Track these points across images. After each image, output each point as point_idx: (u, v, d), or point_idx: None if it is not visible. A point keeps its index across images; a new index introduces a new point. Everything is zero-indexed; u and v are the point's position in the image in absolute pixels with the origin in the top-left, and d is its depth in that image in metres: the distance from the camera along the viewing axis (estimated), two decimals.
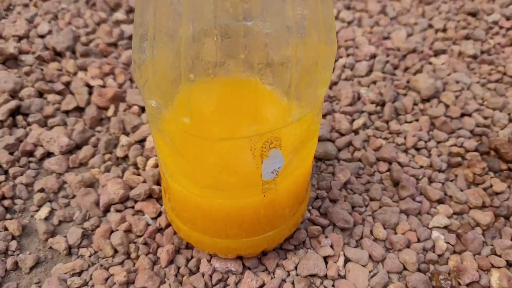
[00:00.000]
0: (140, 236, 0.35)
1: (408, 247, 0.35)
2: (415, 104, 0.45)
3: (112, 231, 0.35)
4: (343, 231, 0.36)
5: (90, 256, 0.34)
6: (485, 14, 0.56)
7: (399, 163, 0.40)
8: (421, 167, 0.40)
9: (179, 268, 0.33)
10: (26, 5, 0.53)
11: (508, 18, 0.55)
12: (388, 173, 0.40)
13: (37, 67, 0.46)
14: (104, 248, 0.34)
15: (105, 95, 0.43)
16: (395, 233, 0.36)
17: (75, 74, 0.45)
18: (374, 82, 0.47)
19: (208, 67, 0.22)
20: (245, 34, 0.23)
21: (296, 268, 0.33)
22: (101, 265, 0.33)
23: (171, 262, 0.33)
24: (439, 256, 0.34)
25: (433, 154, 0.41)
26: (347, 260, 0.34)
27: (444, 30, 0.54)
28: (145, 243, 0.34)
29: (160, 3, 0.21)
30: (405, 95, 0.46)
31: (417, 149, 0.42)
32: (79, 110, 0.43)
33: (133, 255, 0.33)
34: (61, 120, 0.42)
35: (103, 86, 0.44)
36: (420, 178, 0.39)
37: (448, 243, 0.35)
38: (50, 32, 0.49)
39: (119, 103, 0.44)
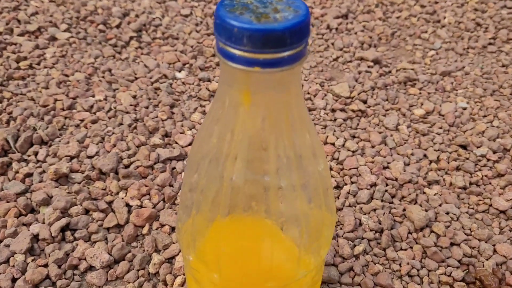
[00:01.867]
0: None
1: None
2: (409, 233, 0.51)
3: None
4: None
5: None
6: (475, 147, 0.62)
7: None
8: None
9: None
10: (77, 126, 0.61)
11: (494, 152, 0.62)
12: None
13: (84, 185, 0.53)
14: None
15: (142, 215, 0.50)
16: None
17: (117, 194, 0.52)
18: (374, 210, 0.53)
19: (240, 207, 0.29)
20: (265, 188, 0.29)
21: None
22: None
23: None
24: None
25: (425, 282, 0.46)
26: None
27: (437, 161, 0.60)
28: None
29: (207, 191, 0.28)
30: (401, 222, 0.52)
31: (411, 276, 0.47)
32: (119, 227, 0.50)
33: None
34: (103, 236, 0.48)
35: (140, 206, 0.51)
36: None
37: None
38: (97, 153, 0.57)
39: (153, 221, 0.50)
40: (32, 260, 0.46)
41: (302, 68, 0.77)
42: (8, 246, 0.46)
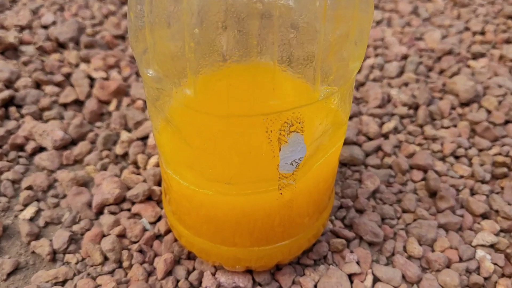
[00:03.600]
0: (135, 243, 0.30)
1: (448, 267, 0.29)
2: (452, 108, 0.40)
3: (103, 236, 0.30)
4: (371, 246, 0.31)
5: (76, 263, 0.29)
6: None
7: (436, 172, 0.35)
8: (462, 177, 0.35)
9: (178, 281, 0.28)
10: None
11: None
12: (423, 182, 0.35)
13: (37, 58, 0.42)
14: (92, 254, 0.29)
15: (107, 88, 0.39)
16: (433, 251, 0.31)
17: (77, 65, 0.42)
18: (406, 84, 0.42)
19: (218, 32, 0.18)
20: None
21: (315, 286, 0.28)
22: (88, 274, 0.29)
23: (169, 273, 0.29)
24: (486, 279, 0.29)
25: (475, 163, 0.36)
26: (376, 279, 0.29)
27: (482, 33, 0.49)
28: (140, 251, 0.30)
29: None
30: (441, 98, 0.41)
31: (456, 157, 0.37)
32: (79, 103, 0.39)
33: (125, 264, 0.29)
34: (58, 113, 0.38)
35: (106, 79, 0.40)
36: (460, 189, 0.34)
37: (495, 264, 0.30)
38: (54, 23, 0.45)
39: (123, 97, 0.40)
40: None
41: None
42: None
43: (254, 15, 0.18)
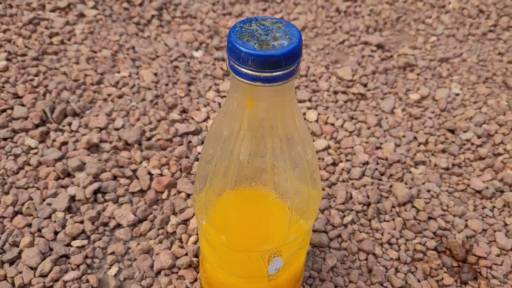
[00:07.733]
0: None
1: None
2: (393, 207, 0.58)
3: None
4: None
5: None
6: (462, 131, 0.69)
7: (374, 255, 0.53)
8: (391, 259, 0.53)
9: None
10: (105, 100, 0.69)
11: (479, 137, 0.68)
12: (365, 261, 0.53)
13: (112, 154, 0.61)
14: None
15: (162, 182, 0.58)
16: None
17: (140, 163, 0.60)
18: (364, 186, 0.60)
19: (244, 182, 0.36)
20: (263, 167, 0.36)
21: None
22: None
23: None
24: None
25: (402, 250, 0.54)
26: None
27: (426, 143, 0.67)
28: None
29: (219, 168, 0.36)
30: (387, 198, 0.59)
31: (390, 244, 0.55)
32: (142, 191, 0.58)
33: None
34: (129, 199, 0.57)
35: (161, 175, 0.59)
36: (389, 268, 0.52)
37: None
38: (123, 126, 0.64)
39: (172, 188, 0.58)
40: (70, 217, 0.54)
41: (310, 51, 0.83)
42: (50, 204, 0.55)
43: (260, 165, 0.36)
